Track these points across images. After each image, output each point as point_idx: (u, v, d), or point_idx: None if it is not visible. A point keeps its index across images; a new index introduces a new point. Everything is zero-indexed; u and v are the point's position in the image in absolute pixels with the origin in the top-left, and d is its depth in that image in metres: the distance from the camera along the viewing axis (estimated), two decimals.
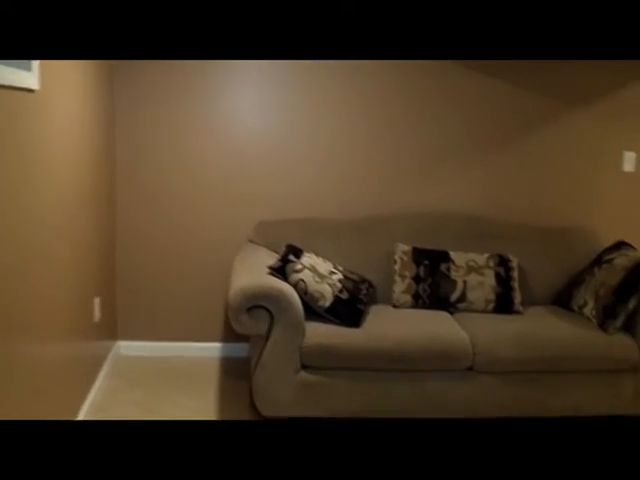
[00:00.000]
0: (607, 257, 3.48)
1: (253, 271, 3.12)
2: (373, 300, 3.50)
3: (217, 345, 3.97)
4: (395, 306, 3.46)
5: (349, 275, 3.36)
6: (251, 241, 3.73)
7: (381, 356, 2.99)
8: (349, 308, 3.15)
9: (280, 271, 3.11)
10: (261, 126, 3.78)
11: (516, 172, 4.01)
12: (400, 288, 3.47)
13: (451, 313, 3.43)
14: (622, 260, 3.36)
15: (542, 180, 4.05)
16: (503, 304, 3.44)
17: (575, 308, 3.44)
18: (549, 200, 4.07)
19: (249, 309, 2.91)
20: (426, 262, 3.50)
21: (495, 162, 3.98)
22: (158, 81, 3.68)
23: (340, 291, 3.18)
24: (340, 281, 3.24)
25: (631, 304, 3.17)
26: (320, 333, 3.02)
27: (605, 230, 4.10)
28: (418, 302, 3.44)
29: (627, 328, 3.22)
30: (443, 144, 3.92)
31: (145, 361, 3.85)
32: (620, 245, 3.57)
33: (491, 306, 3.43)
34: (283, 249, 3.29)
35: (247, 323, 2.93)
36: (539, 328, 3.20)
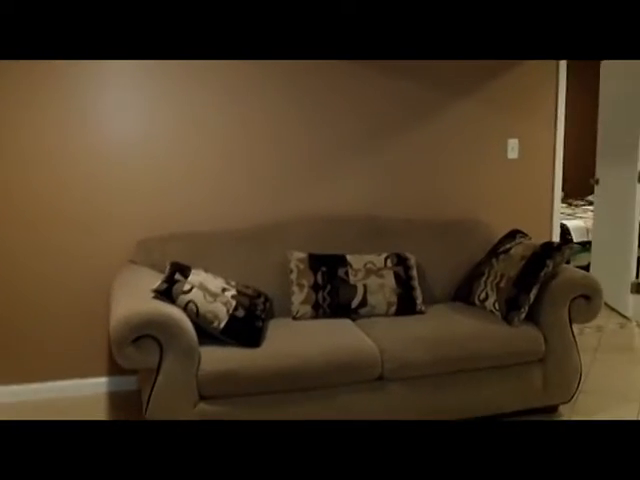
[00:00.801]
0: (503, 247, 3.43)
1: (136, 296, 2.80)
2: (271, 314, 3.27)
3: (102, 380, 3.59)
4: (295, 318, 3.24)
5: (243, 290, 3.11)
6: (132, 262, 3.39)
7: (285, 376, 2.76)
8: (246, 327, 2.89)
9: (166, 293, 2.80)
10: (136, 138, 3.45)
11: (406, 166, 3.91)
12: (299, 298, 3.25)
13: (353, 320, 3.26)
14: (519, 249, 3.32)
15: (432, 173, 3.97)
16: (405, 305, 3.30)
17: (477, 302, 3.36)
18: (440, 192, 4.00)
19: (135, 340, 2.60)
20: (323, 268, 3.31)
21: (385, 158, 3.86)
22: (20, 88, 3.26)
23: (235, 309, 2.92)
24: (234, 297, 2.98)
25: (532, 294, 3.12)
26: (217, 358, 2.75)
27: (496, 219, 4.09)
28: (319, 312, 3.23)
29: (530, 318, 3.17)
30: (330, 143, 3.75)
31: (18, 407, 3.41)
32: (514, 234, 3.53)
33: (393, 309, 3.29)
34: (168, 268, 2.99)
35: (133, 356, 2.61)
36: (445, 327, 3.09)
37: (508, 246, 3.41)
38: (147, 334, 2.60)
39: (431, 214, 3.97)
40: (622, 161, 4.81)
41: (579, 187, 7.30)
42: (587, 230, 5.78)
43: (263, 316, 3.05)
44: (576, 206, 6.75)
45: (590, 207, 6.56)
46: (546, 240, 4.26)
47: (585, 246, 5.70)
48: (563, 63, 4.10)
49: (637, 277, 4.71)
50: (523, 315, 3.12)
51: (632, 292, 4.75)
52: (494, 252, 3.47)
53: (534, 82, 4.09)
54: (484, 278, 3.37)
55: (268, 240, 3.46)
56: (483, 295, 3.32)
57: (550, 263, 3.14)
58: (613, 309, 4.93)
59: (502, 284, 3.23)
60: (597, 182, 5.31)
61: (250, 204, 3.67)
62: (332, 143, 3.75)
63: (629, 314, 4.76)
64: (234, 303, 2.95)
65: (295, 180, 3.72)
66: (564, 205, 6.72)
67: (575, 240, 5.72)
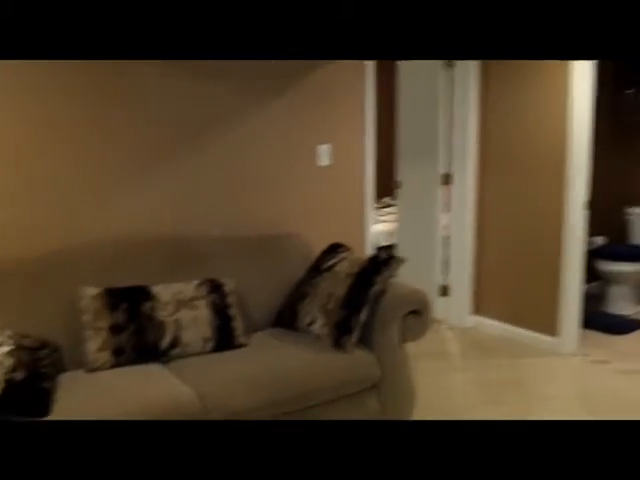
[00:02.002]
0: (326, 264, 3.14)
1: None
2: (61, 368, 2.64)
3: None
4: (92, 369, 2.66)
5: (22, 342, 2.47)
6: None
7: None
8: (29, 392, 2.28)
9: None
10: None
11: (212, 178, 3.47)
12: (95, 345, 2.67)
13: (165, 363, 2.76)
14: (344, 266, 3.04)
15: (241, 184, 3.57)
16: (224, 339, 2.87)
17: (302, 327, 3.03)
18: (252, 205, 3.62)
19: None
20: (124, 305, 2.76)
21: (187, 169, 3.38)
22: None
23: (13, 370, 2.29)
24: (10, 354, 2.34)
25: (363, 315, 2.86)
26: None
27: (312, 230, 3.80)
28: (121, 358, 2.68)
29: (361, 341, 2.91)
30: (121, 153, 3.19)
31: None
32: (335, 248, 3.26)
33: (210, 345, 2.84)
34: None
35: None
36: (271, 362, 2.72)
37: (331, 262, 3.13)
38: None
39: (245, 230, 3.56)
40: (423, 163, 4.80)
41: (376, 188, 7.32)
42: (390, 234, 5.76)
43: (51, 373, 2.45)
44: (376, 209, 6.76)
45: (388, 209, 6.60)
46: (361, 248, 4.08)
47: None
48: (369, 62, 3.93)
49: (446, 277, 4.73)
50: (355, 339, 2.85)
51: (439, 295, 4.76)
52: (317, 269, 3.16)
53: (341, 83, 3.87)
54: (309, 299, 3.05)
55: (51, 274, 2.82)
56: (309, 319, 3.00)
57: (378, 279, 2.91)
58: None
59: (330, 305, 2.93)
60: (399, 185, 5.29)
61: (24, 230, 2.99)
62: (124, 152, 3.19)
63: (439, 317, 4.76)
64: (11, 362, 2.31)
65: (80, 197, 3.10)
66: None
67: (380, 245, 5.67)
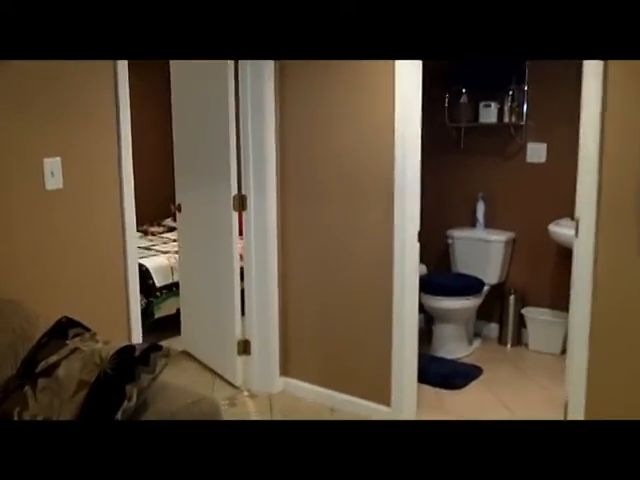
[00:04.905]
0: (46, 361, 1.86)
1: None
2: None
3: None
4: None
5: None
6: None
7: None
8: None
9: None
10: None
11: None
12: None
13: None
14: (74, 367, 1.79)
15: None
16: None
17: None
18: None
19: None
20: None
21: None
22: None
23: None
24: None
25: None
26: None
27: (40, 294, 2.48)
28: None
29: None
30: None
31: None
32: (65, 328, 1.99)
33: None
34: None
35: None
36: None
37: (54, 358, 1.86)
38: None
39: None
40: (210, 182, 3.66)
41: (154, 208, 5.95)
42: (172, 269, 4.52)
43: None
44: (153, 234, 5.47)
45: (171, 235, 5.35)
46: (121, 310, 2.84)
47: (172, 289, 4.45)
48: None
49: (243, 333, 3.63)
50: None
51: (239, 353, 3.63)
52: (28, 372, 1.87)
53: (79, 75, 2.62)
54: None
55: None
56: None
57: (133, 391, 1.71)
58: (219, 376, 3.75)
59: None
60: (179, 209, 4.11)
61: None
62: None
63: (238, 382, 3.63)
64: None
65: None
66: (138, 234, 5.35)
67: (159, 284, 4.41)
